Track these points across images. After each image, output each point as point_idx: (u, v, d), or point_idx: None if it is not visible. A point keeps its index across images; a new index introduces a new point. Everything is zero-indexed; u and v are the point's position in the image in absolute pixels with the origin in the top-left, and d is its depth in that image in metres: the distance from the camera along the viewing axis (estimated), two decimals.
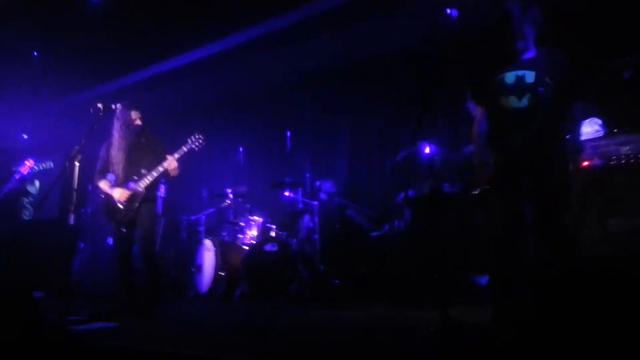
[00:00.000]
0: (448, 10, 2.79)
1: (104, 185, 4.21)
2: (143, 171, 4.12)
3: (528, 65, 2.83)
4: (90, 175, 4.28)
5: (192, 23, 5.90)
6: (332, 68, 6.73)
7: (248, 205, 5.99)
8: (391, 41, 6.04)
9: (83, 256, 6.44)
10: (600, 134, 3.73)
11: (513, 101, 2.82)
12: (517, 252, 2.76)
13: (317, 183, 5.89)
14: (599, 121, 3.82)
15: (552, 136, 2.76)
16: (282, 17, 5.76)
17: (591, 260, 2.14)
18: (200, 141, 4.23)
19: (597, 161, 3.65)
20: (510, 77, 2.85)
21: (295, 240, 5.22)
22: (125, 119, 4.17)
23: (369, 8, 5.42)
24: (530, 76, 2.81)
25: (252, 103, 7.51)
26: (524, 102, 2.80)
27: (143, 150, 4.22)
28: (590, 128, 3.81)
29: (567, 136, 2.81)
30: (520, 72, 2.83)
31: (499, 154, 2.83)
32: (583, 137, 3.75)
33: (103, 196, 4.25)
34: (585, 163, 3.66)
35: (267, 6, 5.61)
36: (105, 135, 4.30)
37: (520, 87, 2.81)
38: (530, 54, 2.87)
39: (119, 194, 4.08)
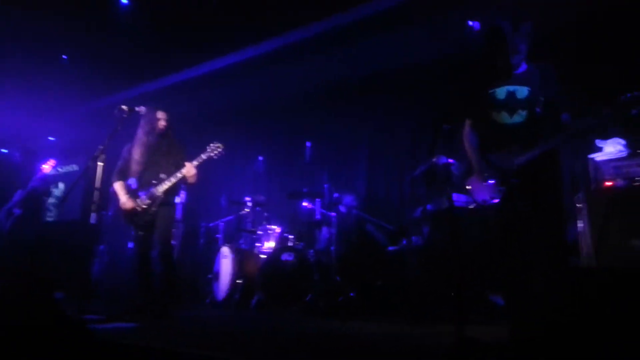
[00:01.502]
0: (470, 23, 2.82)
1: (118, 187, 4.29)
2: (162, 176, 4.20)
3: (520, 80, 2.84)
4: (111, 176, 4.37)
5: (216, 32, 6.01)
6: (354, 80, 6.77)
7: (266, 214, 6.02)
8: (413, 55, 6.06)
9: (102, 258, 6.53)
10: (624, 154, 3.69)
11: (505, 117, 2.85)
12: (521, 266, 2.76)
13: (336, 195, 5.90)
14: (623, 141, 3.78)
15: (549, 154, 2.77)
16: (305, 28, 5.84)
17: (610, 271, 2.12)
18: (220, 150, 4.27)
19: (620, 181, 3.61)
20: (501, 92, 2.87)
21: (312, 250, 5.23)
22: (151, 118, 4.27)
23: (391, 22, 5.47)
24: (522, 92, 2.82)
25: (273, 113, 7.57)
26: (516, 118, 2.82)
27: (164, 155, 4.30)
28: (613, 148, 3.77)
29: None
30: (511, 88, 2.85)
31: (497, 171, 2.84)
32: (606, 157, 3.74)
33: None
34: (609, 183, 3.62)
35: (290, 18, 5.69)
36: (128, 138, 4.39)
37: (511, 103, 2.83)
38: (521, 69, 2.88)
39: (124, 201, 4.16)
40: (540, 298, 2.52)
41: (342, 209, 5.89)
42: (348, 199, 5.99)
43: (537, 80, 2.83)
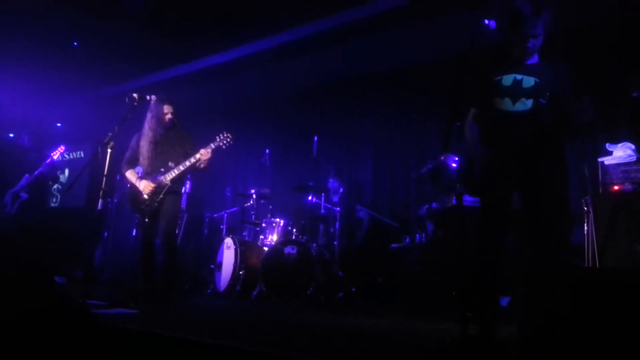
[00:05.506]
0: (486, 21, 2.74)
1: (130, 175, 4.32)
2: (170, 164, 4.21)
3: (529, 71, 2.77)
4: (119, 164, 4.38)
5: (227, 24, 6.01)
6: (363, 75, 6.77)
7: (270, 207, 6.03)
8: (423, 51, 6.06)
9: (106, 245, 6.56)
10: (633, 158, 3.67)
11: (507, 104, 2.75)
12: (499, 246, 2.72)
13: (340, 189, 5.93)
14: (632, 146, 3.76)
15: (549, 139, 2.70)
16: (315, 23, 5.84)
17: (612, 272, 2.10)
18: (229, 139, 4.29)
19: (627, 186, 3.59)
20: (507, 79, 2.78)
21: (314, 244, 5.23)
22: (157, 112, 4.27)
23: (400, 18, 5.46)
24: (528, 81, 2.74)
25: (282, 106, 7.58)
26: (519, 106, 2.73)
27: (171, 145, 4.31)
28: (622, 152, 3.75)
29: None
30: (519, 76, 2.76)
31: (492, 151, 2.77)
32: (615, 161, 3.72)
33: (129, 186, 4.35)
34: (616, 187, 3.61)
35: (300, 12, 5.69)
36: (138, 126, 4.40)
37: (515, 90, 2.75)
38: (533, 60, 2.81)
39: (144, 186, 4.17)
40: (541, 298, 2.51)
41: (334, 198, 5.91)
42: (333, 184, 6.01)
43: (547, 75, 2.75)
